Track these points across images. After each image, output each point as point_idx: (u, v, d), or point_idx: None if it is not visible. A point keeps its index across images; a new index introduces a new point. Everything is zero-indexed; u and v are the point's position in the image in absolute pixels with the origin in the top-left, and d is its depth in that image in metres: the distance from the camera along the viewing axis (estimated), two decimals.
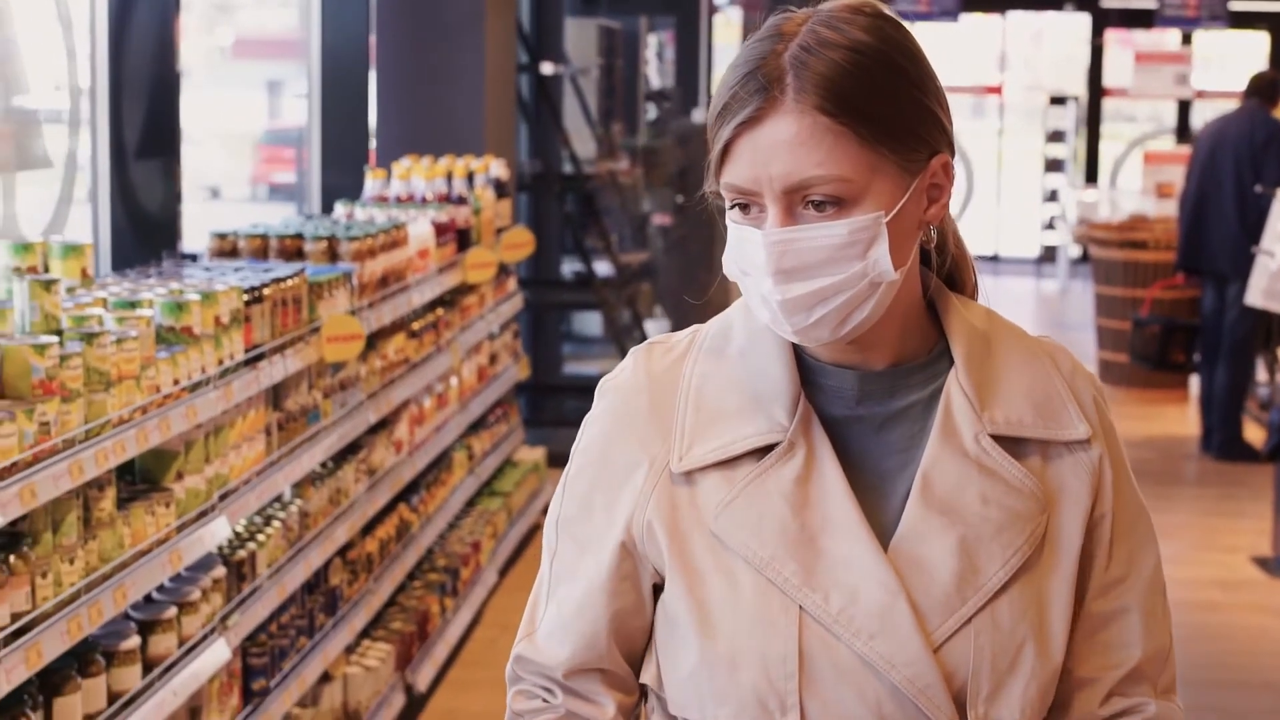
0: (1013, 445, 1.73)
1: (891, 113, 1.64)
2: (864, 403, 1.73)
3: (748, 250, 1.66)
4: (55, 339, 3.12)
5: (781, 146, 1.62)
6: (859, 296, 1.65)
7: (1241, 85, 9.77)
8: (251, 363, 4.14)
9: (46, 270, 3.71)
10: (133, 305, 3.65)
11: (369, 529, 5.28)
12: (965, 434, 1.71)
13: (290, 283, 4.43)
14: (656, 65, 13.55)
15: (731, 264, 1.69)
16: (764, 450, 1.71)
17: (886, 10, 1.70)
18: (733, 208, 1.68)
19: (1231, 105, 10.17)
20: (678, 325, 10.53)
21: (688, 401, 1.74)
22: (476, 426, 6.87)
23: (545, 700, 1.79)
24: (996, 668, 1.67)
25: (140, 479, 3.73)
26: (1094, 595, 1.77)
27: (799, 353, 1.74)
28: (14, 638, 2.98)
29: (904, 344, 1.75)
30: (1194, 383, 10.75)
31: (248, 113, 10.70)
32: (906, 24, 1.71)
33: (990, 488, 1.70)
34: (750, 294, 1.69)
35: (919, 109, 1.66)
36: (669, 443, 1.73)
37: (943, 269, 1.82)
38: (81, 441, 3.21)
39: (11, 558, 2.98)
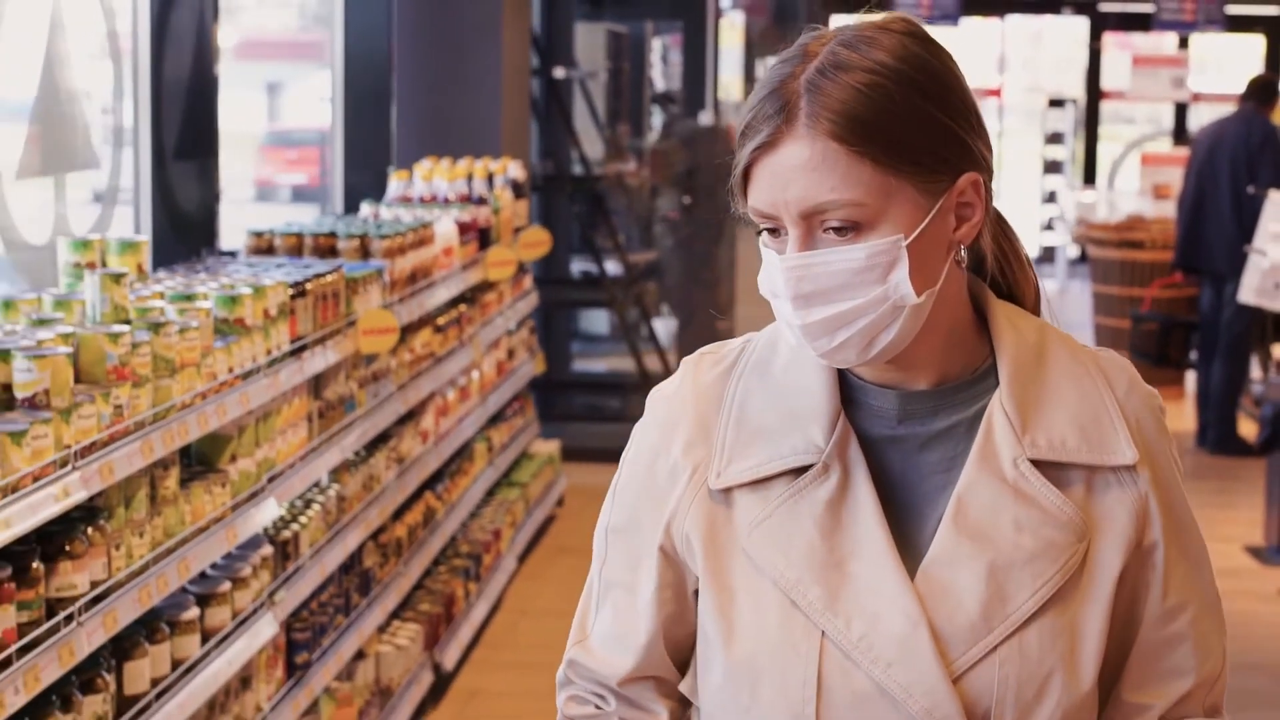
0: (1055, 469, 1.69)
1: (908, 136, 1.61)
2: (905, 422, 1.71)
3: (772, 274, 1.66)
4: (127, 328, 3.35)
5: (795, 172, 1.61)
6: (882, 320, 1.63)
7: (1238, 88, 9.94)
8: (296, 353, 4.37)
9: (104, 265, 3.94)
10: (189, 298, 3.87)
11: (398, 515, 5.51)
12: (1004, 458, 1.68)
13: (329, 278, 4.66)
14: (662, 69, 13.76)
15: (764, 285, 1.68)
16: (799, 471, 1.69)
17: (916, 24, 1.66)
18: (762, 230, 1.68)
19: (1228, 108, 10.34)
20: (684, 322, 10.74)
21: (730, 417, 1.73)
22: (495, 419, 7.10)
23: (598, 707, 1.80)
24: (1022, 697, 1.64)
25: (195, 461, 3.96)
26: (1152, 624, 1.74)
27: (842, 371, 1.72)
28: (92, 604, 3.21)
29: (948, 362, 1.72)
30: (1191, 379, 10.95)
31: (250, 114, 10.84)
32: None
33: (1025, 514, 1.67)
34: (779, 316, 1.68)
35: (939, 129, 1.63)
36: (710, 455, 1.73)
37: (986, 282, 1.79)
38: (150, 424, 3.44)
39: (90, 530, 3.21)
